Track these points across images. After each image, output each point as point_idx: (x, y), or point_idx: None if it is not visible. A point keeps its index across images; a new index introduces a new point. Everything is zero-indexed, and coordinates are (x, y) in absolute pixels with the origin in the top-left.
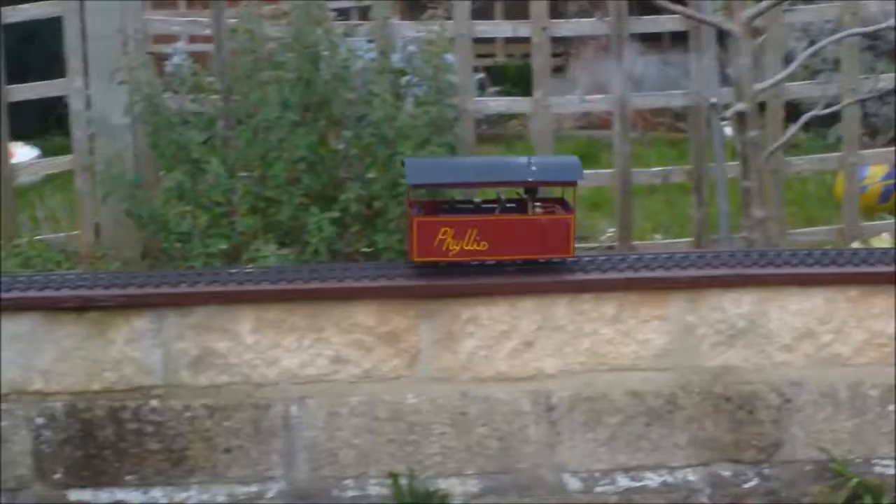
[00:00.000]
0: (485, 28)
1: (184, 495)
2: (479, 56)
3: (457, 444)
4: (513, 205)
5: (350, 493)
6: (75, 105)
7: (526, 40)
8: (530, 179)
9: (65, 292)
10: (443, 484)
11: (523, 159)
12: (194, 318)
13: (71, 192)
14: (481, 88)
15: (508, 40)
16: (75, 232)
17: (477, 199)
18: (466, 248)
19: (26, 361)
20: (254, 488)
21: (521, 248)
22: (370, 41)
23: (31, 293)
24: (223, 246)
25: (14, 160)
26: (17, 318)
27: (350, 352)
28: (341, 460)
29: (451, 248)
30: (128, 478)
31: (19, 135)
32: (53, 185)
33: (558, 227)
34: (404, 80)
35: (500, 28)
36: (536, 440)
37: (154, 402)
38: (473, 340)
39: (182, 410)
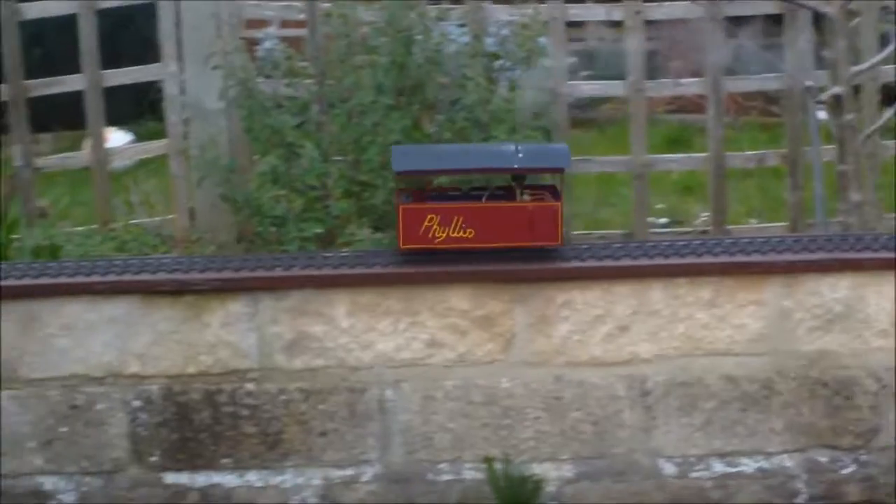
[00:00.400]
0: (578, 11)
1: (279, 479)
2: (571, 40)
3: (551, 428)
4: (502, 192)
5: (445, 477)
6: (170, 90)
7: (618, 24)
8: (516, 166)
9: (161, 276)
10: (537, 468)
11: (511, 146)
12: (289, 301)
13: (164, 177)
14: (573, 72)
15: (600, 23)
16: (170, 216)
17: (466, 187)
18: (453, 235)
19: (123, 344)
20: (349, 472)
21: (508, 235)
22: (462, 25)
23: (128, 277)
24: (318, 230)
25: (108, 145)
26: (113, 301)
27: (445, 335)
28: (436, 444)
29: (437, 235)
30: (223, 461)
31: (113, 120)
32: (147, 170)
33: (546, 215)
34: (497, 63)
35: (592, 11)
36: (631, 425)
37: (249, 386)
38: (568, 325)
39: (277, 394)
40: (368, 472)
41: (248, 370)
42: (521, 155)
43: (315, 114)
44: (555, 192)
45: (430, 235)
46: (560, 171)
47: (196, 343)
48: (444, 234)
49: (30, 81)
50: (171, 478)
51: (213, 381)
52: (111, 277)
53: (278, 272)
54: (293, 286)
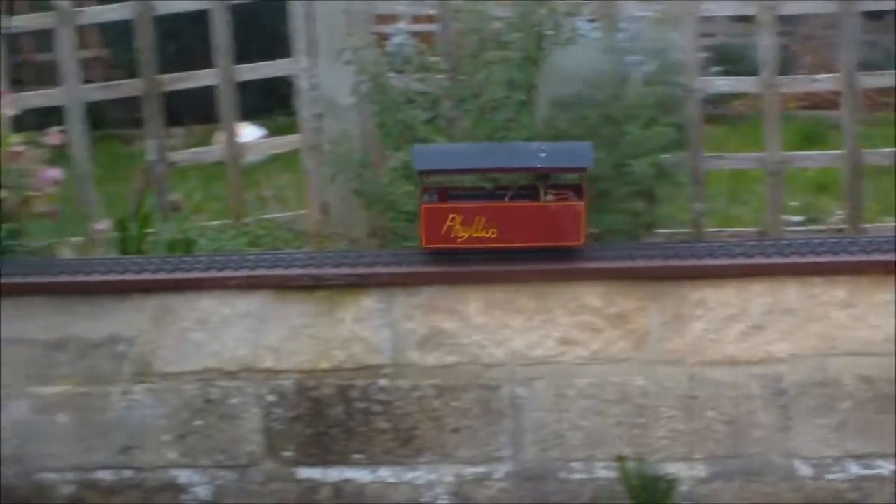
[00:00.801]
0: (710, 6)
1: (411, 475)
2: (702, 35)
3: (684, 427)
4: (526, 191)
5: (577, 476)
6: (302, 85)
7: (748, 19)
8: (538, 165)
9: (294, 271)
10: (670, 468)
11: (533, 145)
12: (422, 297)
13: (295, 172)
14: (705, 68)
15: (730, 19)
16: (303, 211)
17: (491, 185)
18: (475, 234)
19: (256, 339)
20: (481, 469)
21: (530, 235)
22: (593, 20)
23: (261, 271)
24: None
25: (241, 139)
26: (247, 295)
27: (578, 333)
28: (568, 442)
29: (459, 234)
30: (356, 456)
31: (245, 114)
32: (279, 165)
33: (568, 215)
34: (630, 59)
35: (724, 7)
36: (766, 425)
37: (382, 382)
38: (702, 323)
39: (410, 390)
40: (501, 470)
41: (382, 366)
42: (543, 154)
43: (446, 109)
44: (578, 192)
45: (452, 235)
46: (583, 170)
47: (329, 338)
48: (467, 234)
49: (164, 76)
50: (304, 472)
51: (346, 377)
52: (245, 272)
53: (411, 268)
54: (426, 282)
